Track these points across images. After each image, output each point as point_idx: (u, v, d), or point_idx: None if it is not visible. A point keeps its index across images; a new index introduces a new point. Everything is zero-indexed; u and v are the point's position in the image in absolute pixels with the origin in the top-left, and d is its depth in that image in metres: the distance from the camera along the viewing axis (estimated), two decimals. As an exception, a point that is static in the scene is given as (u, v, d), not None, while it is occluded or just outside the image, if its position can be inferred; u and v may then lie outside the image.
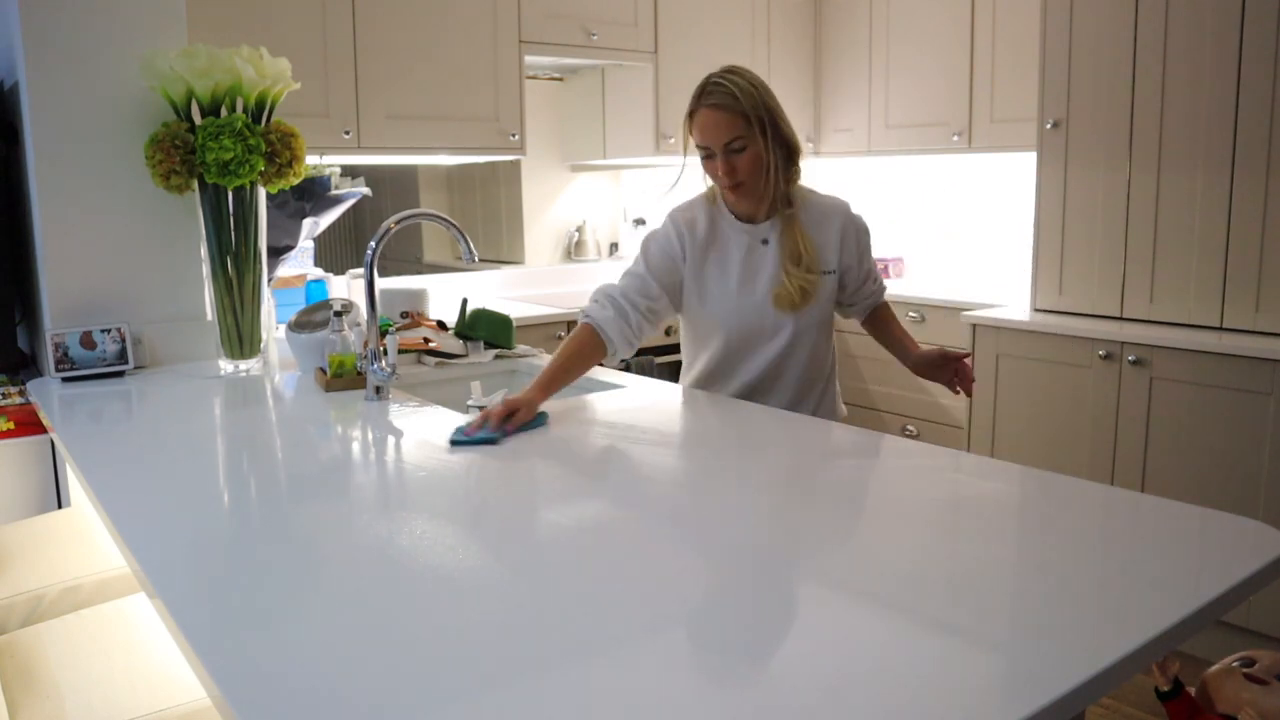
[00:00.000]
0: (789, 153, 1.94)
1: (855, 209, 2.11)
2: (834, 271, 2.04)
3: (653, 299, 1.97)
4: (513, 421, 1.71)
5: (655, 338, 3.71)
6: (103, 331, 2.29)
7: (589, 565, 1.20)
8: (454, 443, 1.66)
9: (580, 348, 1.91)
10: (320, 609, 1.07)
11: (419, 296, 2.95)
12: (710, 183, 2.00)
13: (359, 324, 2.16)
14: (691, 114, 1.92)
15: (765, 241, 1.99)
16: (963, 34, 3.77)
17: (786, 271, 1.96)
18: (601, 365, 2.04)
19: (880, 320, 2.24)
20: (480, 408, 1.99)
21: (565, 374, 1.87)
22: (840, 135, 4.33)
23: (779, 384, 2.04)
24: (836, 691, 0.87)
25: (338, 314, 2.10)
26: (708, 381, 2.08)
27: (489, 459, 1.61)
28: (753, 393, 2.03)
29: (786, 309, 1.97)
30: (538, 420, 1.77)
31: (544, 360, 2.44)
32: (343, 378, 2.08)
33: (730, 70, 1.90)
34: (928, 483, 1.52)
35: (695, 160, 1.97)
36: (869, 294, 2.18)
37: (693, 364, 2.12)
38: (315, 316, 2.34)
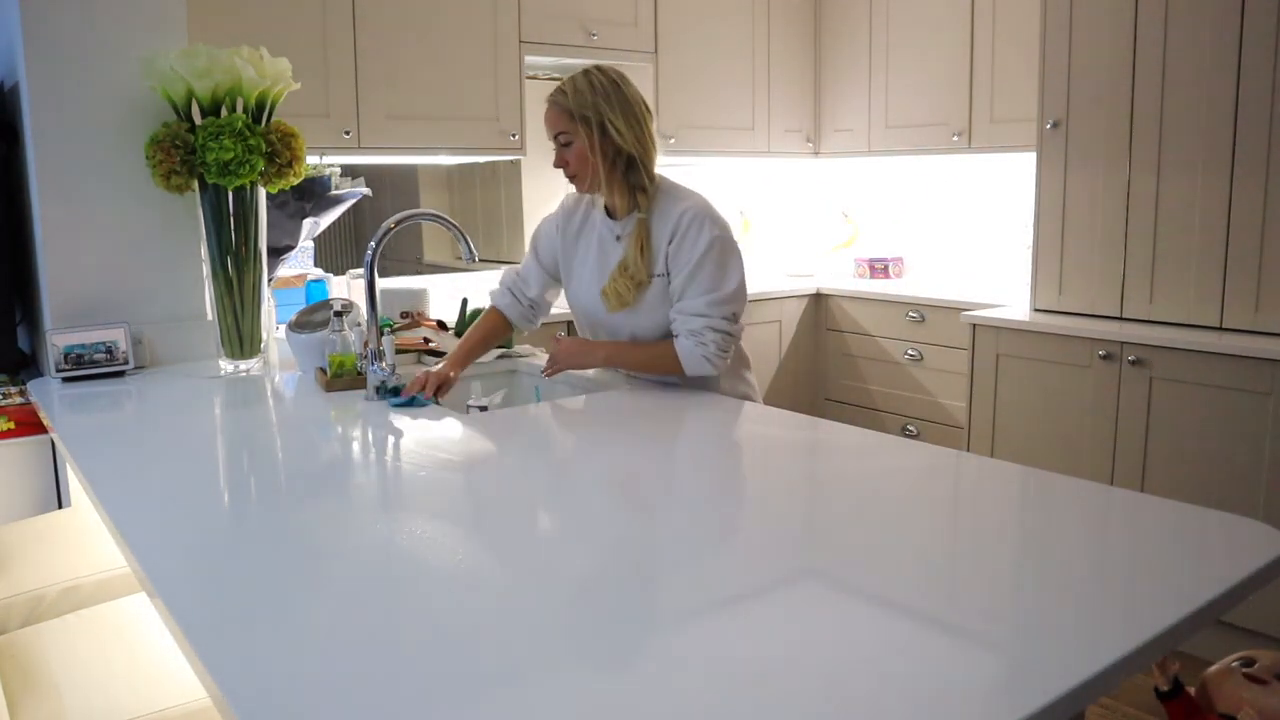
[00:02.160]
0: (630, 157, 1.99)
1: (696, 214, 1.98)
2: (664, 275, 2.01)
3: (538, 283, 2.21)
4: (441, 391, 1.99)
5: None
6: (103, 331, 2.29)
7: (589, 565, 1.20)
8: (394, 405, 1.94)
9: (489, 329, 2.20)
10: (320, 609, 1.07)
11: (419, 296, 2.96)
12: None
13: (359, 324, 2.16)
14: None
15: (619, 238, 2.06)
16: (963, 34, 3.77)
17: (613, 275, 2.04)
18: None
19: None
20: (481, 408, 2.00)
21: (476, 350, 2.16)
22: (840, 135, 4.33)
23: (633, 378, 2.14)
24: (836, 691, 0.87)
25: (338, 314, 2.10)
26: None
27: (488, 459, 1.61)
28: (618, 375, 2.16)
29: (614, 308, 2.05)
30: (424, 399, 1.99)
31: (544, 360, 2.44)
32: (343, 378, 2.08)
33: (586, 70, 2.02)
34: (928, 482, 1.52)
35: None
36: (674, 317, 2.00)
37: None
38: (315, 316, 2.34)
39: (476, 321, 2.22)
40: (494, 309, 2.23)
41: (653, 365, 2.04)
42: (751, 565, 1.18)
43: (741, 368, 2.16)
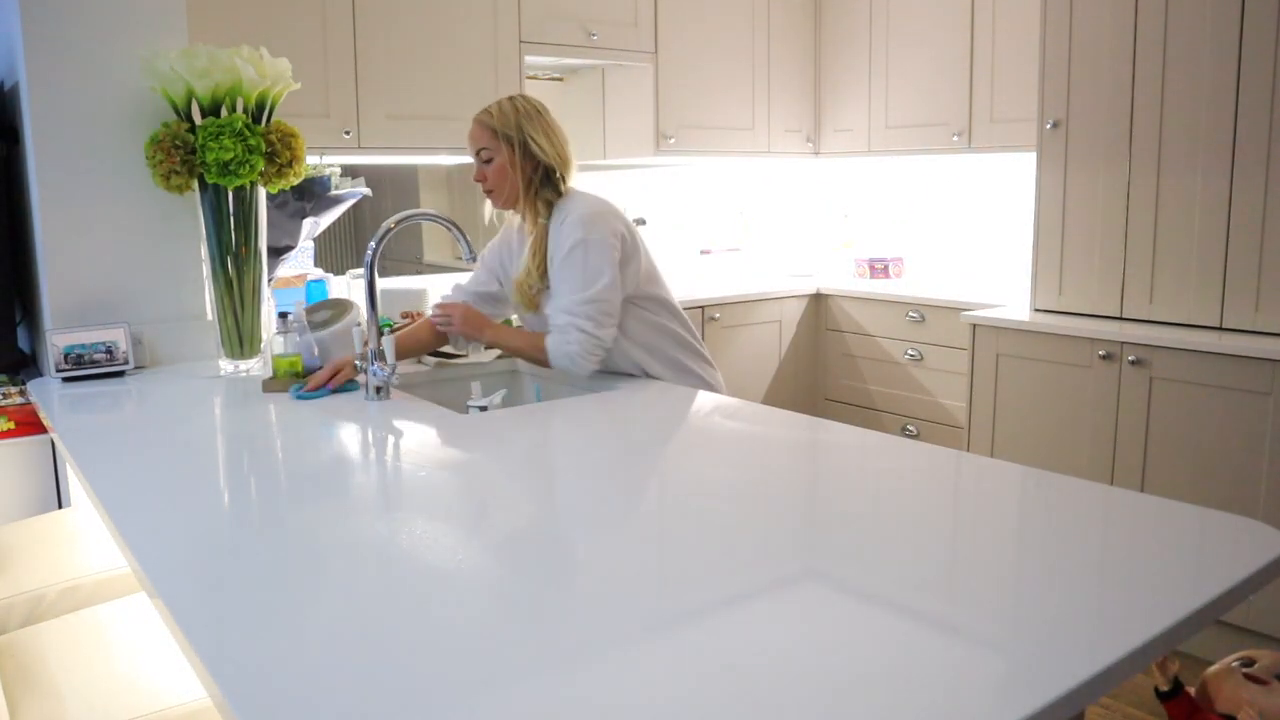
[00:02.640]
0: (546, 172, 2.10)
1: (577, 218, 2.06)
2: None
3: (483, 291, 2.31)
4: (335, 381, 2.05)
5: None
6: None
7: (589, 565, 1.20)
8: (299, 397, 2.02)
9: (420, 338, 2.28)
10: (320, 609, 1.07)
11: (419, 296, 2.96)
12: None
13: (359, 324, 2.16)
14: None
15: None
16: (963, 34, 3.77)
17: (515, 281, 2.18)
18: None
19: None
20: (481, 408, 2.00)
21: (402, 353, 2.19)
22: (840, 135, 4.33)
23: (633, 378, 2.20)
24: (836, 691, 0.87)
25: (281, 315, 2.15)
26: None
27: (488, 459, 1.61)
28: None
29: (520, 312, 2.24)
30: (352, 385, 2.07)
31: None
32: (278, 379, 2.11)
33: (511, 97, 2.15)
34: (928, 482, 1.52)
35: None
36: (552, 314, 2.10)
37: None
38: (315, 316, 2.34)
39: (411, 327, 2.31)
40: (427, 321, 2.31)
41: (525, 353, 2.17)
42: (751, 565, 1.18)
43: (687, 359, 2.21)
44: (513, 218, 2.26)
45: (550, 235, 2.11)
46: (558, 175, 2.12)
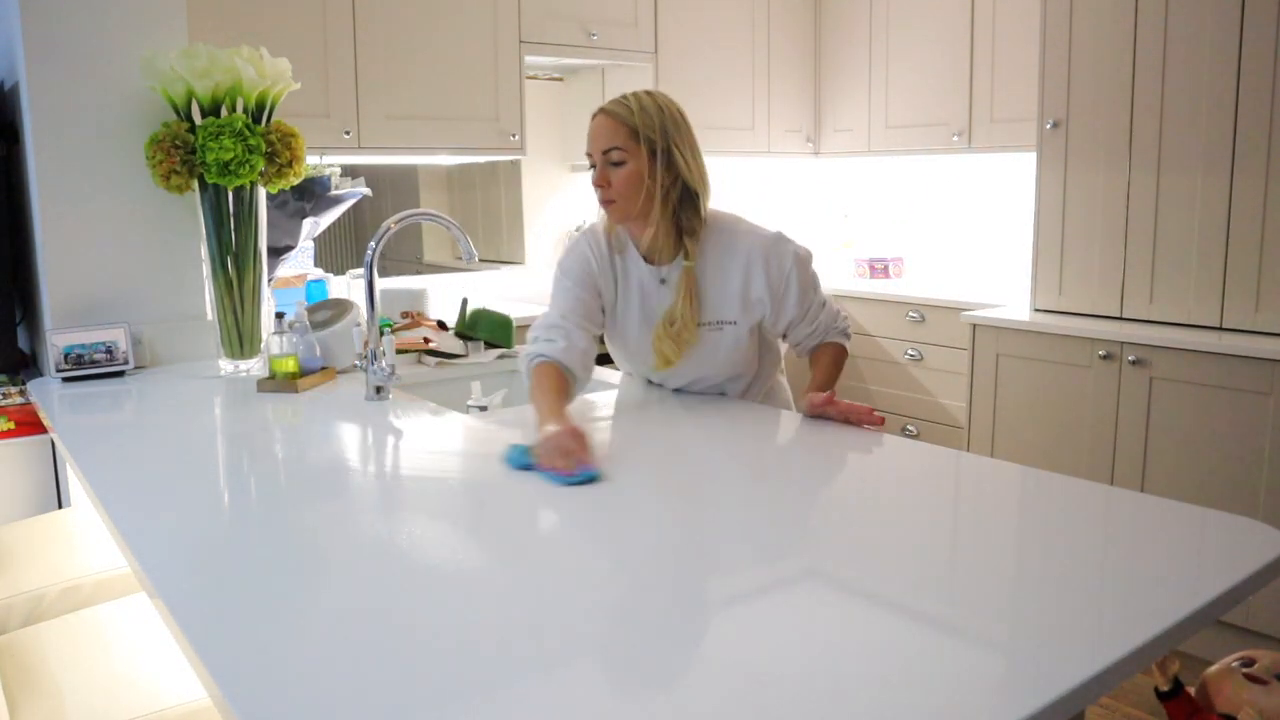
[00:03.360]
0: (687, 192, 1.81)
1: (784, 243, 1.88)
2: (734, 322, 1.88)
3: (593, 320, 1.89)
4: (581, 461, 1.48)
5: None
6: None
7: (590, 565, 1.20)
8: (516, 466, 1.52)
9: (552, 379, 1.75)
10: (320, 609, 1.07)
11: (419, 296, 2.96)
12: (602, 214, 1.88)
13: (359, 324, 2.16)
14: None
15: (663, 281, 1.88)
16: (963, 34, 3.77)
17: (657, 331, 1.85)
18: None
19: (815, 356, 2.01)
20: (481, 408, 2.00)
21: (561, 400, 1.71)
22: (840, 135, 4.33)
23: (732, 394, 2.03)
24: (836, 691, 0.87)
25: (278, 315, 2.14)
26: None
27: (488, 459, 1.61)
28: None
29: (659, 366, 1.89)
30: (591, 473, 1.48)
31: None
32: (272, 380, 2.10)
33: (649, 91, 1.84)
34: (928, 482, 1.52)
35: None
36: (813, 335, 1.97)
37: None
38: (315, 316, 2.34)
39: (537, 385, 1.75)
40: (545, 366, 1.78)
41: (839, 372, 2.00)
42: (751, 566, 1.18)
43: (777, 370, 2.14)
44: (602, 248, 1.90)
45: (711, 275, 1.85)
46: (699, 199, 1.83)
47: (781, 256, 1.86)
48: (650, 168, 1.77)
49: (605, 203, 1.82)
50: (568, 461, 1.46)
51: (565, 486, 1.43)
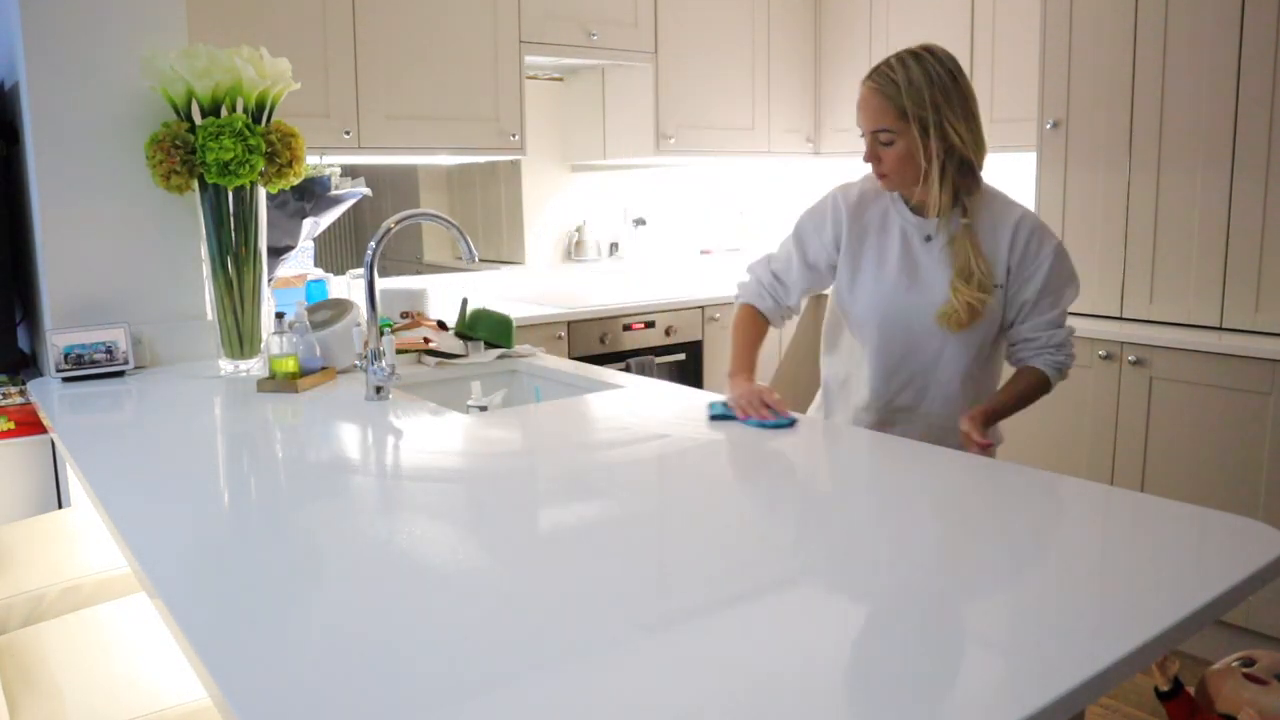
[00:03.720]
0: (961, 160, 1.77)
1: (1034, 223, 1.83)
2: (1001, 286, 1.82)
3: (800, 288, 1.97)
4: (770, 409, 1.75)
5: (655, 337, 3.71)
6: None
7: (590, 566, 1.19)
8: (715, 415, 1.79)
9: (755, 325, 1.97)
10: (320, 609, 1.07)
11: (419, 296, 2.96)
12: None
13: (359, 324, 2.16)
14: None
15: (929, 238, 1.83)
16: (963, 34, 3.77)
17: (955, 288, 1.77)
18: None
19: (1016, 373, 1.87)
20: (481, 408, 2.00)
21: (756, 348, 1.94)
22: (840, 135, 4.33)
23: (922, 405, 1.88)
24: (836, 691, 0.87)
25: (279, 315, 2.14)
26: (840, 389, 1.98)
27: (489, 459, 1.61)
28: (891, 411, 1.89)
29: (952, 327, 1.79)
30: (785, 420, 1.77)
31: (545, 359, 2.44)
32: (272, 380, 2.10)
33: (916, 54, 1.74)
34: (928, 483, 1.52)
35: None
36: (1029, 336, 1.84)
37: (831, 352, 2.01)
38: (315, 316, 2.34)
39: (737, 323, 1.97)
40: (754, 310, 1.99)
41: (1026, 403, 1.86)
42: (751, 566, 1.18)
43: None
44: (871, 196, 1.89)
45: (984, 238, 1.80)
46: (973, 165, 1.79)
47: (1044, 239, 1.81)
48: (923, 145, 1.74)
49: (879, 176, 1.82)
50: (767, 412, 1.73)
51: (768, 430, 1.72)
